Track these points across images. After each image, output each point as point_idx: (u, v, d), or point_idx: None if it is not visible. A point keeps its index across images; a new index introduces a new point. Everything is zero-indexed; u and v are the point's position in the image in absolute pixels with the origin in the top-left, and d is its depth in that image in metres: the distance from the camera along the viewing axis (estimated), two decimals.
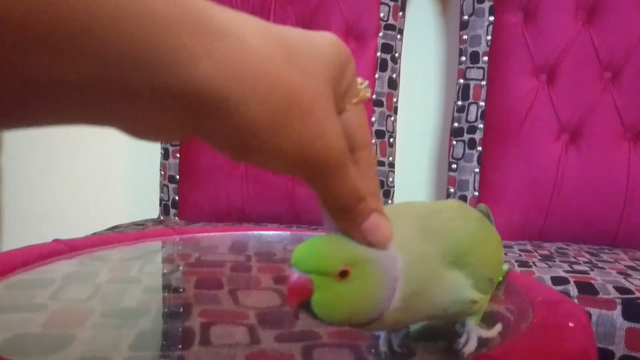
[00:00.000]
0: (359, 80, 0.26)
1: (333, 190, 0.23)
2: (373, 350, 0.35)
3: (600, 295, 0.81)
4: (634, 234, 1.16)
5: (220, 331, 0.37)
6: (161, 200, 1.45)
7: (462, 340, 0.34)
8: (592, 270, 0.93)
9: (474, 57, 1.31)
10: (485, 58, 1.30)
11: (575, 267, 0.95)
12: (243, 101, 0.17)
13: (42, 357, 0.29)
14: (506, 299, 0.46)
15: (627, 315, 0.78)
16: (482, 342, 0.35)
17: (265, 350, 0.34)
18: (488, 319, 0.38)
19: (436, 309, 0.31)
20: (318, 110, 0.20)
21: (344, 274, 0.26)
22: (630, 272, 0.92)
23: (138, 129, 0.18)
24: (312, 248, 0.27)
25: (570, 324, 0.37)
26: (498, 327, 0.36)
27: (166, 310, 0.43)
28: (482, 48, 1.30)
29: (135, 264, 0.57)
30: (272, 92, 0.18)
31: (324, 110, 0.21)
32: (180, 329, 0.38)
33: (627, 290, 0.82)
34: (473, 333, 0.35)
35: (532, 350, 0.32)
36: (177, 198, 1.43)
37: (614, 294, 0.81)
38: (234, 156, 0.20)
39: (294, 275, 0.27)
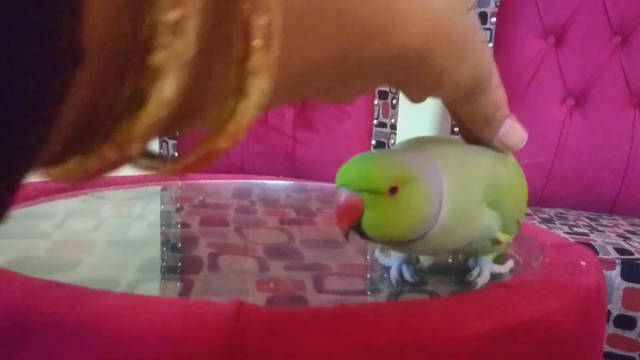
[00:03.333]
0: None
1: (482, 105, 0.25)
2: (384, 280, 0.35)
3: (600, 255, 0.81)
4: (633, 201, 1.16)
5: (229, 260, 0.37)
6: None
7: (475, 272, 0.34)
8: (591, 232, 0.93)
9: (482, 18, 1.28)
10: (494, 19, 1.27)
11: (575, 229, 0.95)
12: (437, 50, 0.19)
13: (49, 276, 0.28)
14: (515, 243, 0.46)
15: (625, 275, 0.79)
16: (494, 276, 0.34)
17: (275, 277, 0.34)
18: (499, 259, 0.38)
19: (466, 242, 0.31)
20: (477, 39, 0.22)
21: (393, 191, 0.26)
22: (629, 235, 0.93)
23: (343, 96, 0.20)
24: (360, 167, 0.27)
25: (583, 263, 0.37)
26: (510, 263, 0.36)
27: (173, 241, 0.42)
28: (491, 9, 1.27)
29: (138, 203, 0.56)
30: (452, 36, 0.20)
31: (477, 37, 0.22)
32: (188, 257, 0.37)
33: (626, 252, 0.82)
34: (486, 267, 0.34)
35: (548, 282, 0.32)
36: (176, 154, 1.42)
37: (613, 255, 0.81)
38: (421, 96, 0.22)
39: (344, 195, 0.26)
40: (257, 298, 0.29)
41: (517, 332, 0.29)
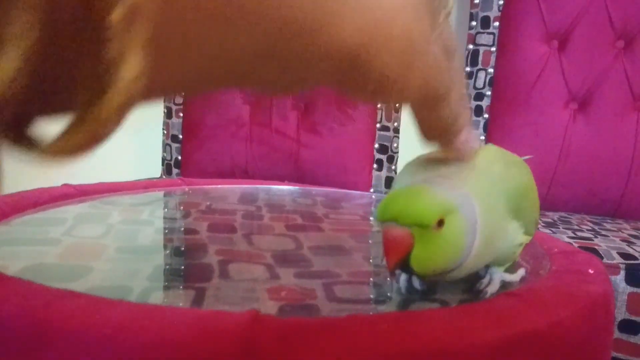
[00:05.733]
0: None
1: (439, 115, 0.24)
2: (394, 288, 0.35)
3: (605, 260, 0.81)
4: (636, 205, 1.16)
5: (239, 268, 0.37)
6: (164, 159, 1.44)
7: (485, 281, 0.34)
8: (595, 237, 0.93)
9: (485, 23, 1.28)
10: (497, 23, 1.27)
11: (579, 234, 0.95)
12: (376, 54, 0.18)
13: (62, 284, 0.28)
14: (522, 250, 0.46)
15: (630, 280, 0.79)
16: (504, 285, 0.35)
17: (286, 285, 0.34)
18: (510, 267, 0.38)
19: (494, 257, 0.31)
20: (430, 46, 0.21)
21: (440, 224, 0.27)
22: (633, 240, 0.93)
23: (277, 90, 0.19)
24: (408, 201, 0.27)
25: (590, 271, 0.37)
26: (521, 271, 0.36)
27: (182, 248, 0.43)
28: (494, 13, 1.27)
29: (146, 209, 0.56)
30: (395, 42, 0.19)
31: (435, 47, 0.22)
32: (198, 264, 0.38)
33: (630, 256, 0.82)
34: (496, 275, 0.34)
35: (556, 290, 0.32)
36: (179, 158, 1.42)
37: (617, 259, 0.81)
38: (365, 100, 0.22)
39: (394, 230, 0.27)
40: (269, 307, 0.30)
41: (527, 341, 0.29)
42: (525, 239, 0.33)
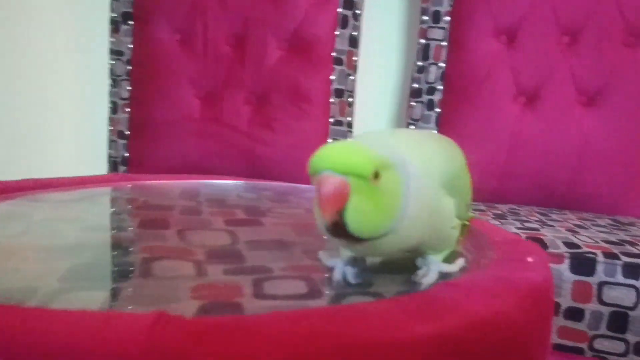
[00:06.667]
0: None
1: None
2: (328, 283, 0.33)
3: (550, 249, 0.82)
4: (583, 196, 1.20)
5: (164, 266, 0.34)
6: (109, 157, 1.38)
7: (422, 272, 0.33)
8: (542, 227, 0.95)
9: (436, 17, 1.29)
10: (447, 18, 1.28)
11: (527, 224, 0.96)
12: None
13: None
14: (466, 240, 0.45)
15: (574, 268, 0.80)
16: (443, 276, 0.33)
17: (212, 282, 0.32)
18: (449, 257, 0.37)
19: (430, 231, 0.31)
20: None
21: (377, 176, 0.26)
22: (578, 229, 0.95)
23: None
24: (344, 151, 0.26)
25: (530, 259, 0.36)
26: (460, 261, 0.35)
27: (106, 246, 0.40)
28: (444, 7, 1.28)
29: (76, 206, 0.52)
30: None
31: None
32: (118, 263, 0.35)
33: (575, 245, 0.84)
34: (434, 266, 0.33)
35: (495, 279, 0.31)
36: (127, 155, 1.37)
37: (562, 249, 0.82)
38: None
39: (331, 178, 0.25)
40: (189, 306, 0.27)
41: (464, 332, 0.28)
42: (458, 222, 0.32)
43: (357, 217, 0.26)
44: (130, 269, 0.33)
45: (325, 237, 0.28)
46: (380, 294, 0.31)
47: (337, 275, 0.32)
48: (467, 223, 0.46)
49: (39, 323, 0.21)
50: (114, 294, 0.28)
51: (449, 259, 0.35)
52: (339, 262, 0.33)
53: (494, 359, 0.30)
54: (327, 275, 0.34)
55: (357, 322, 0.25)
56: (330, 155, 0.26)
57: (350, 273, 0.32)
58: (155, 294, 0.29)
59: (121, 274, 0.32)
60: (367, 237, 0.27)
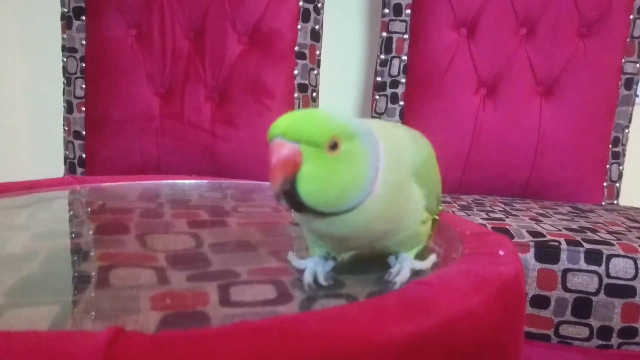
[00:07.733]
0: None
1: None
2: (298, 286, 0.32)
3: (516, 239, 0.83)
4: (543, 185, 1.22)
5: (122, 274, 0.32)
6: (66, 158, 1.32)
7: (394, 270, 0.32)
8: (507, 217, 0.96)
9: (397, 10, 1.29)
10: (408, 11, 1.28)
11: (492, 215, 0.98)
12: None
13: None
14: (436, 234, 0.44)
15: (539, 257, 0.81)
16: (416, 273, 0.33)
17: (174, 291, 0.30)
18: (420, 254, 0.36)
19: (398, 220, 0.29)
20: None
21: (334, 147, 0.25)
22: (541, 218, 0.97)
23: None
24: (300, 118, 0.25)
25: (501, 252, 0.36)
26: (432, 257, 0.34)
27: (58, 255, 0.37)
28: (405, 0, 1.28)
29: (24, 212, 0.49)
30: None
31: None
32: (72, 273, 0.32)
33: (539, 234, 0.85)
34: (406, 263, 0.32)
35: (467, 274, 0.30)
36: (84, 155, 1.31)
37: (527, 238, 0.84)
38: None
39: (282, 145, 0.24)
40: (149, 318, 0.25)
41: (440, 331, 0.27)
42: (425, 216, 0.31)
43: (309, 186, 0.25)
44: (85, 279, 0.30)
45: (281, 206, 0.27)
46: (353, 295, 0.30)
47: (307, 277, 0.31)
48: (436, 218, 0.45)
49: None
50: (66, 309, 0.26)
51: (420, 256, 0.35)
52: (309, 263, 0.32)
53: (471, 355, 0.29)
54: (297, 277, 0.32)
55: (331, 328, 0.24)
56: (285, 123, 0.25)
57: (321, 274, 0.31)
58: (112, 306, 0.27)
59: (75, 285, 0.30)
60: (324, 208, 0.26)
